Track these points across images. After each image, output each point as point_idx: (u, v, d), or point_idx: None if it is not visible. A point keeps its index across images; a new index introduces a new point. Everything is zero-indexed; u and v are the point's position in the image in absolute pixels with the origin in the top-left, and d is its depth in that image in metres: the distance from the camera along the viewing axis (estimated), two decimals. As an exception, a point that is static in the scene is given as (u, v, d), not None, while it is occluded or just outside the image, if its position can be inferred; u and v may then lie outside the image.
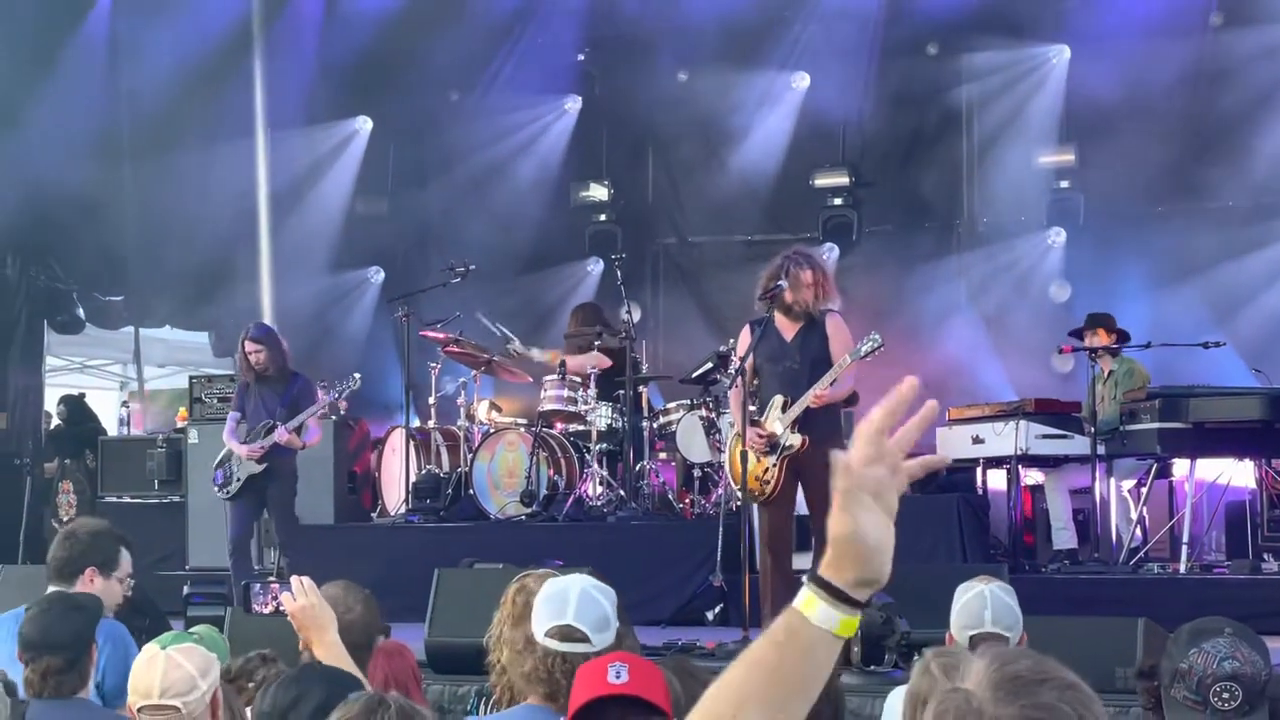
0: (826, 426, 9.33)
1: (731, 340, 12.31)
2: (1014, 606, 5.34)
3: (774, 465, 9.30)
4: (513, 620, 4.15)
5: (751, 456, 9.29)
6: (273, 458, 11.68)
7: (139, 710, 4.14)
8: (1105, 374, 12.11)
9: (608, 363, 13.13)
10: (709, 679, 4.27)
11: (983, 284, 16.43)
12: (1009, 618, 5.29)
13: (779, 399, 9.32)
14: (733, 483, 9.67)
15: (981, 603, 5.28)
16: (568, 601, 4.00)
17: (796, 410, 9.26)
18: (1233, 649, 3.74)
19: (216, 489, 11.86)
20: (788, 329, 9.38)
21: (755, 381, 9.51)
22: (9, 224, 15.34)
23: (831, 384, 9.25)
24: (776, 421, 9.27)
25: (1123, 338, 12.19)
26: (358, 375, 12.36)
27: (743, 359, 9.50)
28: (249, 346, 11.76)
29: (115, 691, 5.43)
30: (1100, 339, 12.09)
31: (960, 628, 5.27)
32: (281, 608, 4.31)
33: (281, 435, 11.58)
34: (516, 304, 17.05)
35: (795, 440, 9.24)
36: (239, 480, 11.69)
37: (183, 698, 4.10)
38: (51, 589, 6.04)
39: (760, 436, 9.25)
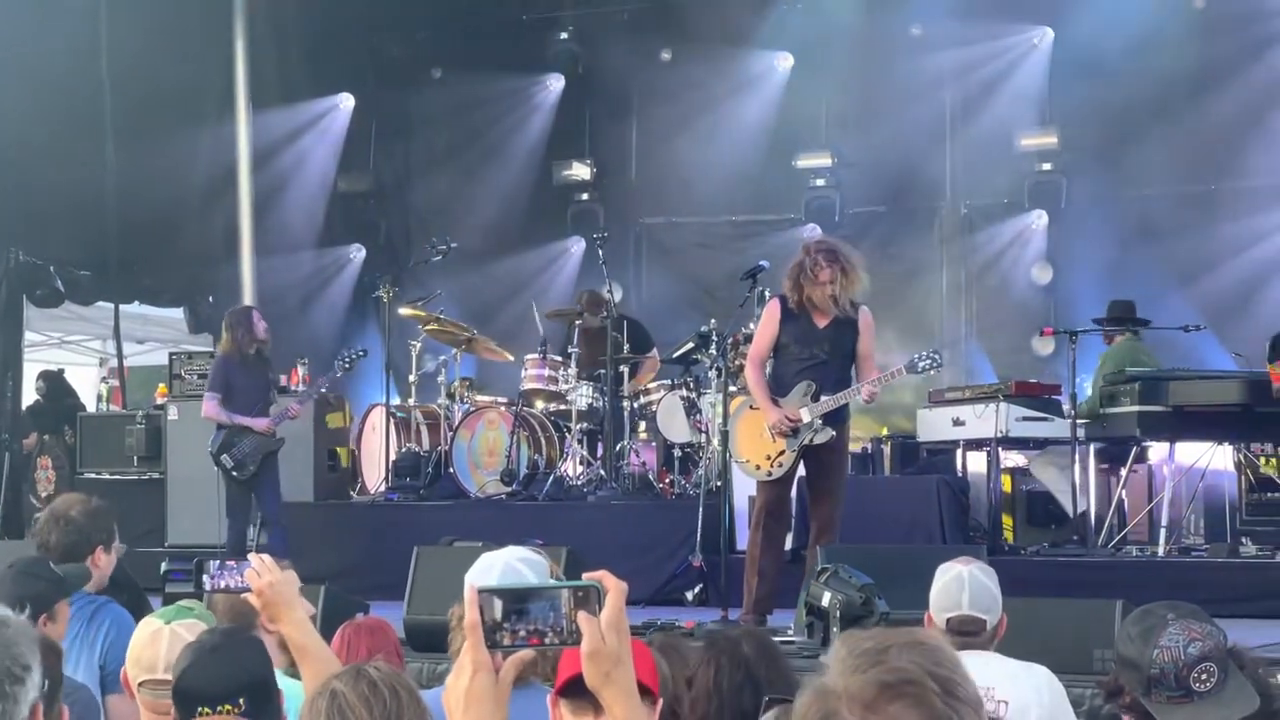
0: (840, 415, 9.31)
1: (713, 320, 12.29)
2: (993, 589, 5.29)
3: (791, 450, 9.21)
4: None
5: (768, 436, 9.23)
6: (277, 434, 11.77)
7: (140, 685, 4.07)
8: None
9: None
10: (692, 656, 4.27)
11: (964, 265, 16.44)
12: (987, 600, 5.25)
13: (808, 385, 9.19)
14: (735, 455, 9.57)
15: (959, 585, 5.25)
16: (490, 579, 3.94)
17: (831, 405, 9.14)
18: (1186, 632, 3.74)
19: (231, 471, 11.63)
20: (820, 316, 9.21)
21: (771, 358, 9.40)
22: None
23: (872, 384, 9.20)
24: (804, 410, 9.17)
25: (1120, 321, 12.11)
26: (364, 349, 12.54)
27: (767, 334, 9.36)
28: (264, 324, 11.75)
29: (117, 674, 5.42)
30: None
31: (938, 610, 5.25)
32: (236, 586, 4.12)
33: (299, 411, 11.75)
34: (496, 283, 17.04)
35: (826, 436, 9.17)
36: (254, 461, 11.59)
37: None
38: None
39: (789, 420, 9.14)
